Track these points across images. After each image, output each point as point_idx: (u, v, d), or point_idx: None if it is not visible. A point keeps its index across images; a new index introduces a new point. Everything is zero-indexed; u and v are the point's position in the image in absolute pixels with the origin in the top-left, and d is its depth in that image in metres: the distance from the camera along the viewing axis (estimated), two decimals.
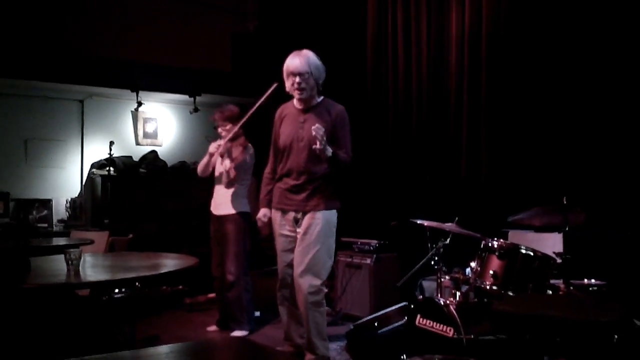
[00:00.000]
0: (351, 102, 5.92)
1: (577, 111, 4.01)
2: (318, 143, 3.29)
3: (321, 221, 3.53)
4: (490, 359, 2.93)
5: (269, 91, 3.82)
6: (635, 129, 3.69)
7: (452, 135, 4.95)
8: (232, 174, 4.53)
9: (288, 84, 3.59)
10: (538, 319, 2.08)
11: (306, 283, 3.51)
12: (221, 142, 4.52)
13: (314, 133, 3.29)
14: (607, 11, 3.85)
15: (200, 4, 6.96)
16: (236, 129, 4.49)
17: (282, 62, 3.62)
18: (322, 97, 3.69)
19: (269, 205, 3.77)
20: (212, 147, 4.54)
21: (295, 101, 3.71)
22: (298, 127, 3.63)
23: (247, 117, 4.37)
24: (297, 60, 3.51)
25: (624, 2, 3.78)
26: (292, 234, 3.65)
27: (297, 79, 3.51)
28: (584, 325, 1.98)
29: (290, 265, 3.65)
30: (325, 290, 3.68)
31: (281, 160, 3.70)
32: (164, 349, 1.61)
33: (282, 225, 3.69)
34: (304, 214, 3.58)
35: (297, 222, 3.63)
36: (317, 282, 3.53)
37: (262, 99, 3.96)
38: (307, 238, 3.54)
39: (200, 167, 4.68)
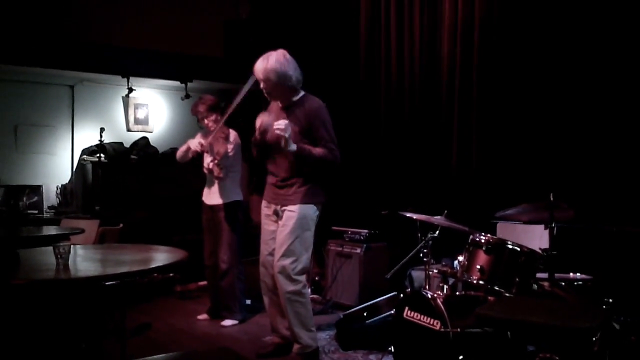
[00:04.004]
0: (343, 90, 5.97)
1: (570, 104, 4.00)
2: (282, 141, 3.37)
3: (297, 214, 3.59)
4: (476, 351, 2.98)
5: (248, 84, 3.75)
6: (625, 127, 3.71)
7: (443, 125, 4.94)
8: (216, 171, 4.48)
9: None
10: (519, 324, 2.12)
11: (282, 274, 3.58)
12: (201, 140, 4.45)
13: (276, 132, 3.37)
14: (601, 5, 3.84)
15: None
16: (221, 124, 4.39)
17: (274, 49, 3.62)
18: (302, 94, 3.69)
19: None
20: (193, 144, 4.46)
21: None
22: None
23: (230, 111, 4.24)
24: (259, 66, 3.54)
25: None
26: (274, 227, 3.74)
27: (262, 85, 3.58)
28: (564, 331, 2.03)
29: (271, 254, 3.75)
30: (309, 282, 3.71)
31: (269, 156, 3.77)
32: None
33: (266, 216, 3.80)
34: (283, 207, 3.67)
35: (277, 214, 3.72)
36: (294, 273, 3.58)
37: (242, 93, 3.90)
38: (283, 230, 3.63)
39: (178, 154, 4.64)
